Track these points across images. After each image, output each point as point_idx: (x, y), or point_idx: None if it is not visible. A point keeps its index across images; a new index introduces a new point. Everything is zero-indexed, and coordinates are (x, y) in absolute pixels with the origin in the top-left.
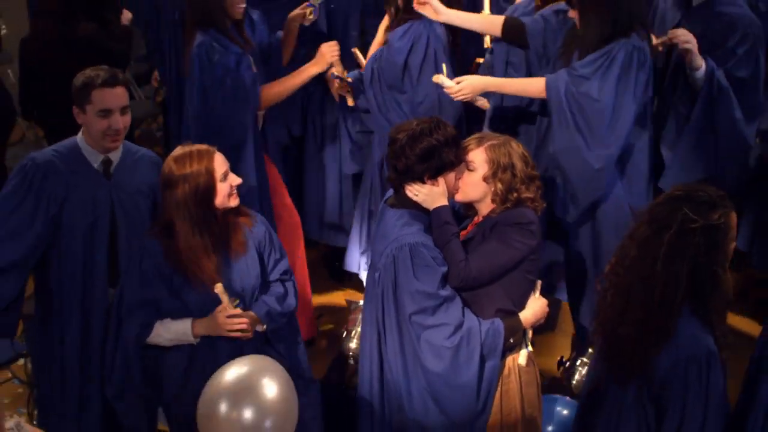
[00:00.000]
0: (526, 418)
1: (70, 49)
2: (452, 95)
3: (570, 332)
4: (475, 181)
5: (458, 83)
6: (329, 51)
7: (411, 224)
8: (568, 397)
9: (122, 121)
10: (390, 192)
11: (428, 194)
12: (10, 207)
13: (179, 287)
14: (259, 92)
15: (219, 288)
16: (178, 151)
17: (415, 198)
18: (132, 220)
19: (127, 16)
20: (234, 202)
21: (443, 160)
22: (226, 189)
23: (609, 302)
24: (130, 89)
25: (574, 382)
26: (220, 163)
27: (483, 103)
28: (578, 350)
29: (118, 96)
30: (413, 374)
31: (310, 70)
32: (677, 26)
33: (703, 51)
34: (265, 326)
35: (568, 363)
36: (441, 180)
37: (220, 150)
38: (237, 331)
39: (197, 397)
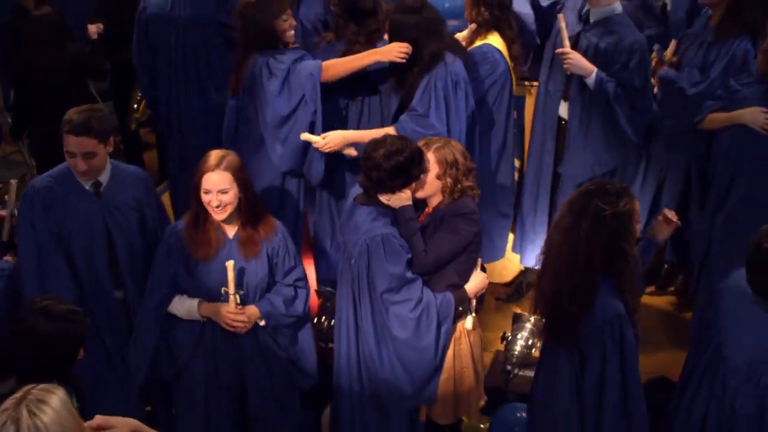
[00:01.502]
0: (475, 371)
1: (63, 68)
2: (321, 149)
3: (510, 312)
4: (430, 179)
5: (324, 138)
6: (398, 50)
7: (379, 219)
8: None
9: (85, 165)
10: (355, 189)
11: (397, 199)
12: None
13: (194, 266)
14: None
15: (230, 264)
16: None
17: (386, 202)
18: (123, 231)
19: (92, 29)
20: (216, 215)
21: (410, 175)
22: (206, 200)
23: (545, 280)
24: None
25: (515, 352)
26: (213, 181)
27: (350, 151)
28: (517, 327)
29: (80, 144)
30: (383, 342)
31: (374, 57)
32: (577, 37)
33: (599, 61)
34: (264, 322)
35: (509, 337)
36: (407, 189)
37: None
38: (233, 326)
39: (202, 369)
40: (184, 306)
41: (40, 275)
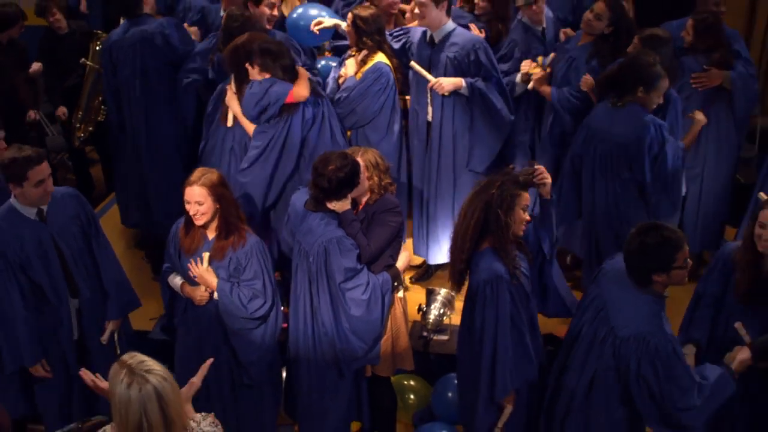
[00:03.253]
0: (406, 331)
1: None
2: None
3: (422, 289)
4: (362, 180)
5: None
6: None
7: (330, 223)
8: None
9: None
10: (297, 196)
11: (341, 205)
12: None
13: (182, 255)
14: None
15: (206, 255)
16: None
17: (332, 208)
18: (71, 246)
19: (35, 67)
20: (195, 222)
21: (353, 184)
22: (187, 208)
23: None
24: (44, 126)
25: (430, 320)
26: (191, 193)
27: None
28: (431, 299)
29: (45, 169)
30: (339, 320)
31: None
32: (430, 59)
33: (454, 68)
34: (216, 295)
35: (425, 308)
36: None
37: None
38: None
39: (183, 336)
40: (174, 281)
41: None
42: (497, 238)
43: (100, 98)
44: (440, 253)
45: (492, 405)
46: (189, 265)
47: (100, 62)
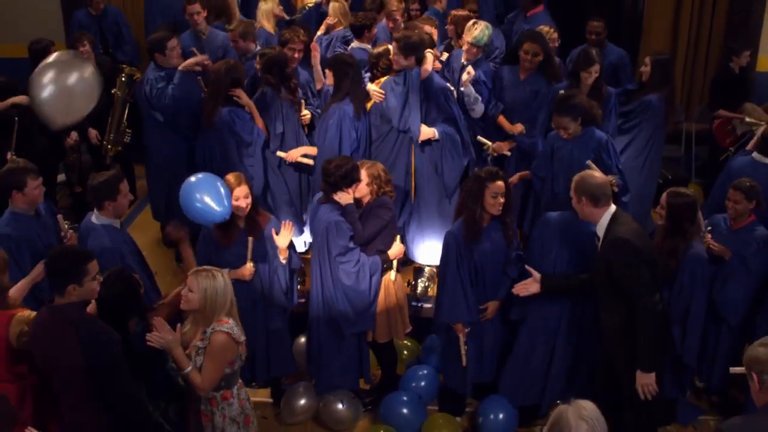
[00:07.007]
0: (400, 307)
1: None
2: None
3: (412, 269)
4: (363, 185)
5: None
6: None
7: (333, 210)
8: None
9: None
10: (318, 196)
11: (346, 198)
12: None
13: (222, 249)
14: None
15: (251, 240)
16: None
17: (338, 200)
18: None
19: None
20: (240, 213)
21: (353, 178)
22: (236, 205)
23: None
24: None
25: (418, 291)
26: (240, 191)
27: (307, 161)
28: (417, 276)
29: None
30: (336, 288)
31: None
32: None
33: (431, 102)
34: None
35: (414, 283)
36: (350, 189)
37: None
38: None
39: None
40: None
41: None
42: (464, 213)
43: (126, 122)
44: (422, 251)
45: (439, 324)
46: (277, 242)
47: (126, 91)
